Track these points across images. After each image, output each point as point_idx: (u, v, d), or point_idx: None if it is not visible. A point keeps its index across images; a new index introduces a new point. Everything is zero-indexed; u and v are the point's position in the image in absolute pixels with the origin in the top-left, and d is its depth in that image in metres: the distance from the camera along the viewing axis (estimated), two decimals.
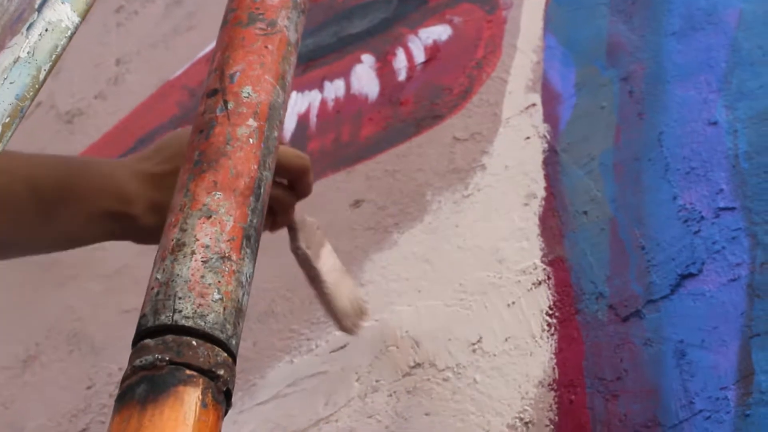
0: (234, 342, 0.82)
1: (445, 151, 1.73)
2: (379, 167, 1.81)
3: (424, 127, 1.80)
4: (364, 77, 2.01)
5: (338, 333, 1.59)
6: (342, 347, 1.58)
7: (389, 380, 1.49)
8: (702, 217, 1.33)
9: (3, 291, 2.36)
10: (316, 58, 2.11)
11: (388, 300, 1.59)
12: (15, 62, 0.83)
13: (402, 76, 1.93)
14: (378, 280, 1.63)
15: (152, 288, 0.83)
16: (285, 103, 1.02)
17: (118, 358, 1.94)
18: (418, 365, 1.47)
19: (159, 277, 0.83)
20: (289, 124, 2.03)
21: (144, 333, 0.80)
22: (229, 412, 0.81)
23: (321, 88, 2.06)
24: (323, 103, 2.03)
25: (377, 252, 1.67)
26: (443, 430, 1.38)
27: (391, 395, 1.47)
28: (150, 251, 2.10)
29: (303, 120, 2.03)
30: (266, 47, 1.03)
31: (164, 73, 2.60)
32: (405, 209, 1.70)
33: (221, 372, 0.79)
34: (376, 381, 1.50)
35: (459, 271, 1.54)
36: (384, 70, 1.98)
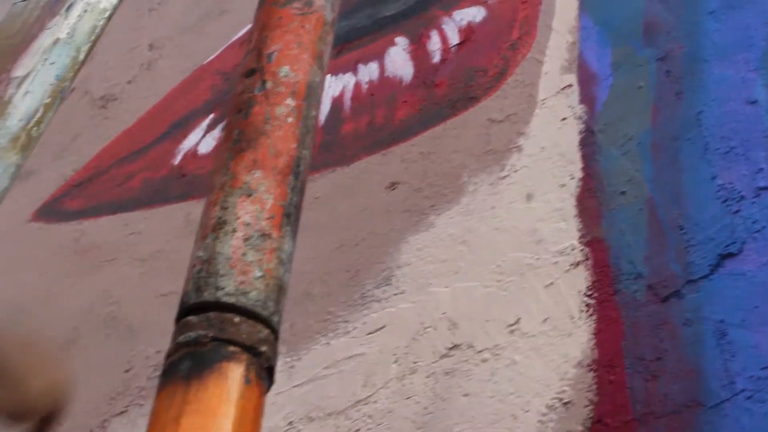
0: (276, 319, 0.82)
1: (480, 133, 1.72)
2: (414, 150, 1.81)
3: (459, 109, 1.80)
4: (399, 60, 2.00)
5: (375, 315, 1.59)
6: (379, 329, 1.58)
7: (427, 361, 1.49)
8: (742, 197, 1.32)
9: (39, 276, 2.37)
10: (350, 41, 2.11)
11: (424, 282, 1.58)
12: (55, 43, 0.83)
13: (436, 58, 1.93)
14: (414, 262, 1.62)
15: (194, 266, 0.83)
16: (322, 82, 1.02)
17: (155, 341, 1.95)
18: (456, 346, 1.47)
19: (201, 254, 0.83)
20: (323, 108, 2.03)
21: (187, 310, 0.80)
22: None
23: (355, 71, 2.06)
24: (357, 86, 2.03)
25: (413, 234, 1.67)
26: (482, 411, 1.37)
27: (429, 376, 1.46)
28: (186, 235, 2.11)
29: (337, 103, 2.03)
30: (303, 27, 1.03)
31: (197, 57, 2.61)
32: (441, 191, 1.69)
33: (264, 348, 0.79)
34: (414, 362, 1.50)
35: (496, 253, 1.53)
36: (418, 52, 1.97)
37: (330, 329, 1.66)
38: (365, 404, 1.51)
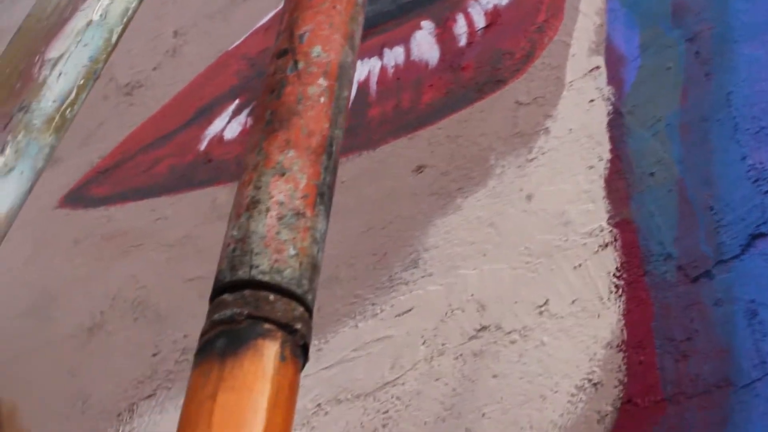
0: (310, 297, 0.82)
1: (507, 116, 1.72)
2: (441, 133, 1.81)
3: (486, 92, 1.79)
4: (424, 44, 2.00)
5: (403, 297, 1.59)
6: (407, 312, 1.58)
7: (455, 343, 1.49)
8: None
9: (66, 261, 2.39)
10: (375, 26, 2.11)
11: (452, 264, 1.59)
12: (88, 25, 0.83)
13: (462, 41, 1.93)
14: (442, 245, 1.63)
15: (228, 245, 0.83)
16: (353, 62, 1.02)
17: (182, 326, 1.96)
18: (484, 328, 1.47)
19: (235, 233, 0.84)
20: None
21: (221, 288, 0.81)
22: None
23: (381, 56, 2.06)
24: (383, 70, 2.03)
25: (441, 217, 1.67)
26: (511, 392, 1.38)
27: (457, 358, 1.47)
28: (213, 221, 2.12)
29: (363, 87, 2.03)
30: (335, 7, 1.03)
31: (222, 43, 2.61)
32: (468, 174, 1.69)
33: (299, 326, 0.79)
34: (442, 344, 1.50)
35: (524, 235, 1.53)
36: (444, 36, 1.97)
37: (357, 312, 1.66)
38: (393, 386, 1.52)
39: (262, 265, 0.80)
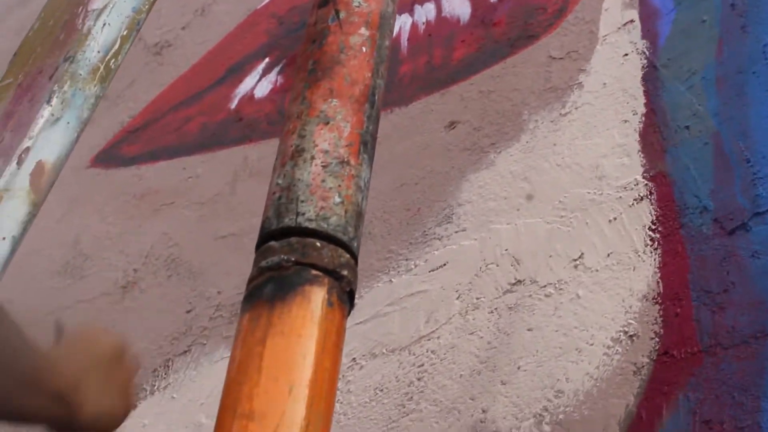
0: (356, 244, 0.83)
1: (540, 71, 1.72)
2: (473, 89, 1.81)
3: (518, 47, 1.79)
4: (455, 0, 1.99)
5: (437, 252, 1.60)
6: (441, 266, 1.59)
7: (490, 297, 1.49)
8: None
9: (98, 220, 2.40)
10: None
11: (486, 219, 1.59)
12: None
13: None
14: (475, 200, 1.63)
15: (273, 193, 0.84)
16: (394, 13, 1.02)
17: (216, 282, 1.97)
18: (518, 282, 1.48)
19: (280, 182, 0.84)
20: None
21: (268, 236, 0.81)
22: None
23: (411, 12, 2.06)
24: (414, 26, 2.03)
25: (474, 172, 1.67)
26: (546, 345, 1.38)
27: (492, 312, 1.47)
28: (244, 179, 2.13)
29: (394, 44, 2.03)
30: None
31: (251, 2, 2.61)
32: (501, 129, 1.69)
33: (345, 272, 0.80)
34: (477, 298, 1.51)
35: (558, 189, 1.53)
36: None
37: (391, 267, 1.67)
38: (428, 340, 1.52)
39: (308, 213, 0.81)
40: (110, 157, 2.59)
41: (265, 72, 2.37)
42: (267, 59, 2.40)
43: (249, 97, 2.35)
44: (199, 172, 2.29)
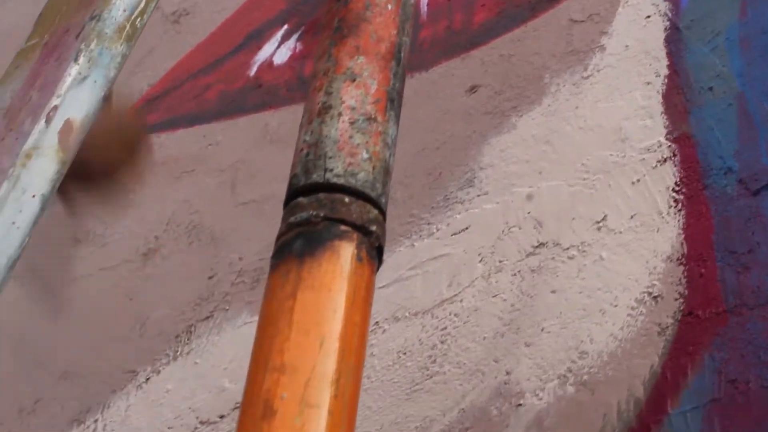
0: (384, 200, 0.83)
1: (562, 34, 1.71)
2: (494, 53, 1.80)
3: (539, 10, 1.78)
4: None
5: (459, 216, 1.60)
6: (464, 230, 1.59)
7: (513, 260, 1.49)
8: None
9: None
10: None
11: (508, 182, 1.59)
12: None
13: None
14: (497, 164, 1.63)
15: (301, 149, 0.84)
16: None
17: (238, 248, 1.98)
18: (541, 245, 1.48)
19: (307, 138, 0.84)
20: None
21: (296, 192, 0.81)
22: None
23: None
24: None
25: (496, 136, 1.67)
26: (570, 307, 1.38)
27: (515, 274, 1.47)
28: (264, 145, 2.13)
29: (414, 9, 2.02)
30: None
31: None
32: (523, 93, 1.69)
33: (374, 228, 0.80)
34: (500, 261, 1.51)
35: (581, 152, 1.53)
36: None
37: (414, 231, 1.67)
38: (451, 303, 1.53)
39: (337, 169, 0.81)
40: None
41: (284, 39, 2.36)
42: (286, 26, 2.40)
43: (268, 64, 2.34)
44: (219, 140, 2.29)
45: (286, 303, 0.75)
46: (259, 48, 2.40)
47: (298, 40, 2.32)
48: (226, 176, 2.18)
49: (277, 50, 2.35)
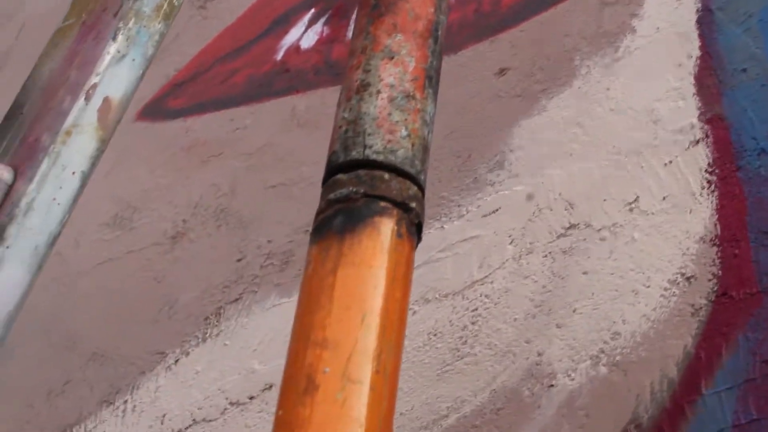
0: (423, 177, 0.83)
1: (592, 16, 1.70)
2: (523, 35, 1.80)
3: None
4: None
5: (489, 198, 1.60)
6: (494, 212, 1.59)
7: (544, 242, 1.49)
8: None
9: (147, 173, 2.42)
10: None
11: (539, 165, 1.58)
12: None
13: None
14: (528, 145, 1.62)
15: (340, 127, 0.84)
16: None
17: (266, 231, 1.98)
18: (573, 226, 1.47)
19: (346, 116, 0.84)
20: None
21: (335, 168, 0.82)
22: None
23: None
24: None
25: (526, 118, 1.67)
26: (602, 288, 1.38)
27: (546, 256, 1.47)
28: (292, 129, 2.13)
29: None
30: None
31: None
32: (553, 75, 1.68)
33: (413, 204, 0.80)
34: (531, 243, 1.51)
35: (612, 133, 1.53)
36: None
37: (443, 213, 1.67)
38: (482, 284, 1.53)
39: (376, 146, 0.81)
40: (156, 110, 2.60)
41: (311, 23, 2.36)
42: (312, 10, 2.40)
43: (295, 48, 2.34)
44: (246, 123, 2.30)
45: (326, 279, 0.75)
46: (286, 32, 2.40)
47: (324, 24, 2.32)
48: (253, 160, 2.18)
49: (304, 34, 2.35)
